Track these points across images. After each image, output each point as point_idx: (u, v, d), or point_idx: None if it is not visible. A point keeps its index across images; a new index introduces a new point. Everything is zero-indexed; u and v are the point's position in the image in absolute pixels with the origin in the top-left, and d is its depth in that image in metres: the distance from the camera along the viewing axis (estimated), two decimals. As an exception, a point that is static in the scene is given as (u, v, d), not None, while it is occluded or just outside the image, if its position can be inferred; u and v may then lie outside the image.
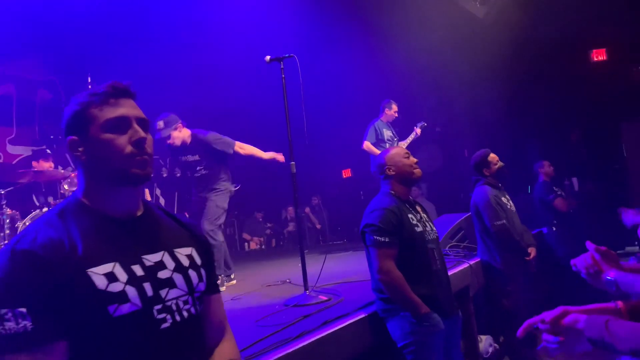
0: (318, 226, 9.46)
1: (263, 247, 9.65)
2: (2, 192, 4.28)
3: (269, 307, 3.19)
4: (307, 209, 9.40)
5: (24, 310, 0.98)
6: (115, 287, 1.07)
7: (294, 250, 6.42)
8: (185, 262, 1.24)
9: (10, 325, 0.97)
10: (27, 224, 4.39)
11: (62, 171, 4.87)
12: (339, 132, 8.29)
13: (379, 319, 2.74)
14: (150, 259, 1.17)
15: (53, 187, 5.03)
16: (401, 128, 6.43)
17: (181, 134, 4.35)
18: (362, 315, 2.75)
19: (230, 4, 6.65)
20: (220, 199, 4.38)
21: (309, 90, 3.80)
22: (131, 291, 1.09)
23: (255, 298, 3.73)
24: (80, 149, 1.18)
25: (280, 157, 4.42)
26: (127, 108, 1.19)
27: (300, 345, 2.27)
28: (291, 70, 3.59)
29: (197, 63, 6.96)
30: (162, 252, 1.20)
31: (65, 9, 6.01)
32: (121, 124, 1.17)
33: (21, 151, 5.97)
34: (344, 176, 10.06)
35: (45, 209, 4.55)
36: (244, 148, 4.45)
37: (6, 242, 4.18)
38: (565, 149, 7.39)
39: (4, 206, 4.33)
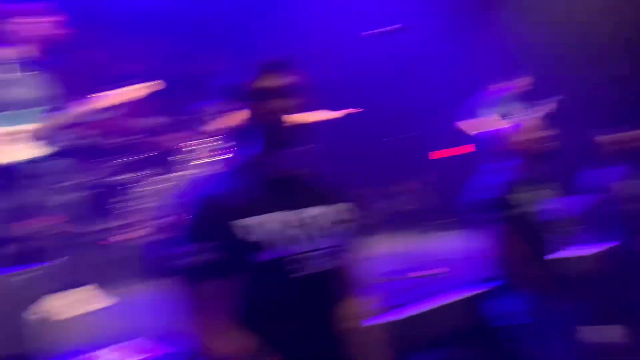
0: (421, 205, 9.26)
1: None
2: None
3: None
4: (414, 186, 9.23)
5: (211, 244, 1.20)
6: (265, 236, 1.24)
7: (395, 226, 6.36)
8: (327, 218, 1.36)
9: (205, 256, 1.20)
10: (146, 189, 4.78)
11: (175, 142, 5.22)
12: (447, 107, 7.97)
13: (491, 296, 2.62)
14: (302, 213, 1.32)
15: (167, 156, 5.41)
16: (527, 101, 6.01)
17: None
18: (473, 291, 2.66)
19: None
20: None
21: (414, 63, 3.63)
22: (279, 240, 1.25)
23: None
24: (247, 113, 1.36)
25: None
26: (284, 79, 1.36)
27: (408, 314, 2.24)
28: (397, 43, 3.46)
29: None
30: (312, 208, 1.34)
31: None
32: (278, 92, 1.34)
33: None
34: (456, 153, 9.68)
35: (162, 176, 4.91)
36: None
37: (133, 202, 4.60)
38: None
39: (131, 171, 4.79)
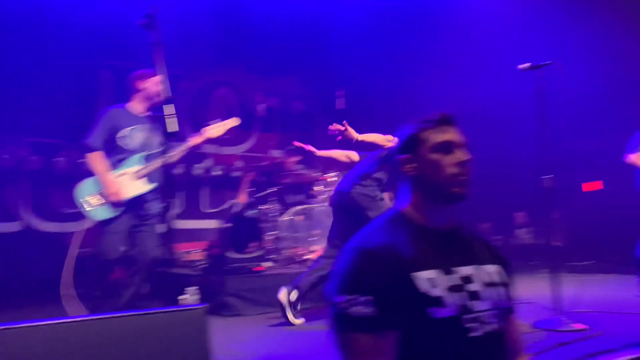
0: (560, 244, 8.61)
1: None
2: (273, 190, 5.04)
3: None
4: (556, 222, 8.63)
5: (370, 298, 1.16)
6: (435, 292, 1.20)
7: (525, 265, 5.99)
8: (493, 278, 1.32)
9: (359, 308, 1.16)
10: (288, 218, 5.09)
11: (315, 174, 5.51)
12: (588, 141, 7.45)
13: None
14: (463, 270, 1.28)
15: (307, 188, 5.71)
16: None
17: None
18: (632, 356, 2.43)
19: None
20: None
21: (561, 98, 3.52)
22: (448, 298, 1.21)
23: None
24: (411, 166, 1.36)
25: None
26: (453, 134, 1.36)
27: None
28: (546, 77, 3.38)
29: (434, 70, 7.08)
30: (472, 266, 1.30)
31: (316, 30, 6.83)
32: (447, 147, 1.33)
33: (280, 155, 6.93)
34: (585, 190, 8.94)
35: (299, 207, 5.19)
36: None
37: (273, 232, 4.92)
38: None
39: (272, 202, 5.12)
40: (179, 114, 2.49)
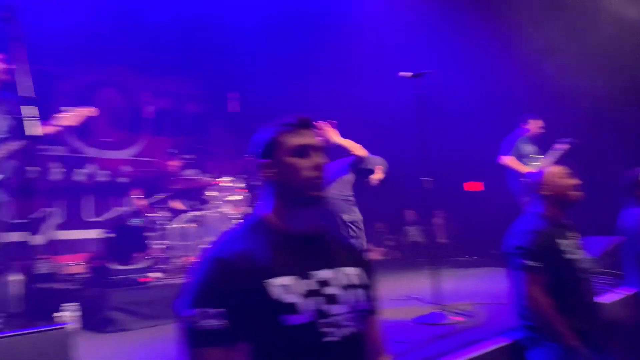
0: (443, 241, 9.20)
1: (386, 257, 9.63)
2: (161, 197, 4.80)
3: (398, 323, 3.20)
4: (439, 221, 9.19)
5: (222, 310, 1.14)
6: (289, 298, 1.19)
7: (416, 262, 6.34)
8: (352, 281, 1.32)
9: (211, 322, 1.14)
10: (179, 225, 4.89)
11: (208, 179, 5.34)
12: (464, 144, 8.05)
13: (519, 347, 2.61)
14: (321, 275, 1.26)
15: (199, 194, 5.53)
16: (540, 143, 6.09)
17: None
18: (503, 342, 2.65)
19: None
20: None
21: (441, 104, 3.75)
22: (302, 304, 1.19)
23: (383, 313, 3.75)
24: (270, 171, 1.34)
25: None
26: (309, 137, 1.35)
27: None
28: (426, 85, 3.59)
29: (325, 77, 7.24)
30: (332, 270, 1.29)
31: (210, 29, 6.67)
32: (304, 150, 1.33)
33: (171, 159, 6.65)
34: (467, 189, 9.70)
35: (193, 213, 5.02)
36: None
37: (162, 241, 4.69)
38: None
39: (161, 209, 4.87)
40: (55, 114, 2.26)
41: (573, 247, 2.57)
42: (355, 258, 1.40)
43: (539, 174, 2.72)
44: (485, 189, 9.21)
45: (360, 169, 3.88)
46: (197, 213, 4.98)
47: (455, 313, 3.23)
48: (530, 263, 2.47)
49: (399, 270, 6.62)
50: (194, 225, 4.90)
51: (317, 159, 1.32)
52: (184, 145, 6.85)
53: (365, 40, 7.14)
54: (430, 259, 3.55)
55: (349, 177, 3.79)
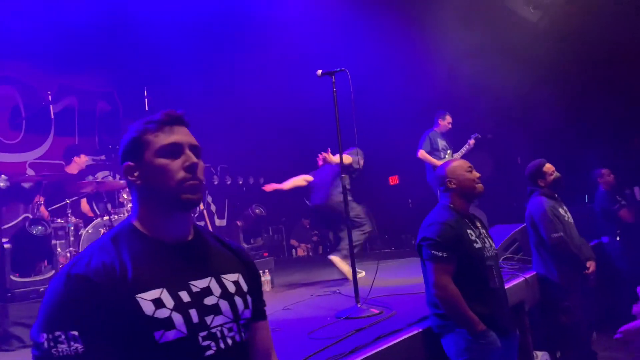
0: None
1: (310, 253, 9.71)
2: (68, 202, 4.50)
3: (319, 319, 3.22)
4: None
5: (75, 333, 1.01)
6: (162, 313, 1.08)
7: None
8: (232, 288, 1.23)
9: (62, 347, 1.00)
10: (90, 231, 4.61)
11: (121, 181, 5.08)
12: (386, 140, 8.27)
13: (433, 334, 2.71)
14: (198, 284, 1.17)
15: (112, 197, 5.25)
16: (453, 137, 6.40)
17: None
18: (416, 331, 2.73)
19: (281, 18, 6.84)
20: None
21: (357, 100, 3.80)
22: (177, 318, 1.10)
23: (305, 308, 3.77)
24: (135, 174, 1.21)
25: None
26: (181, 135, 1.23)
27: (355, 360, 2.28)
28: (341, 83, 3.63)
29: (246, 75, 7.15)
30: (209, 278, 1.20)
31: (124, 24, 6.34)
32: (174, 150, 1.20)
33: (81, 161, 6.26)
34: (391, 183, 9.99)
35: (106, 217, 4.76)
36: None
37: (71, 249, 4.40)
38: (626, 156, 7.03)
39: (69, 215, 4.56)
40: None
41: (480, 237, 2.68)
42: (235, 263, 1.31)
43: (443, 168, 2.83)
44: (404, 182, 9.52)
45: (350, 170, 4.80)
46: (112, 217, 4.73)
47: (374, 305, 3.29)
48: (438, 253, 2.55)
49: (324, 266, 6.66)
50: (106, 230, 4.64)
51: (190, 158, 1.20)
52: (94, 146, 6.48)
53: (290, 40, 7.12)
54: (353, 258, 3.58)
55: (345, 180, 4.00)
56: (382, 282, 4.19)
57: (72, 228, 4.51)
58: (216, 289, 1.20)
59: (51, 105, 5.93)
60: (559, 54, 6.53)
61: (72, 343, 1.01)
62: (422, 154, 6.21)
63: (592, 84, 7.04)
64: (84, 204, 5.09)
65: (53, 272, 3.87)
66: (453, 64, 7.33)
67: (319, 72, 3.60)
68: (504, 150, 7.81)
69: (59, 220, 4.54)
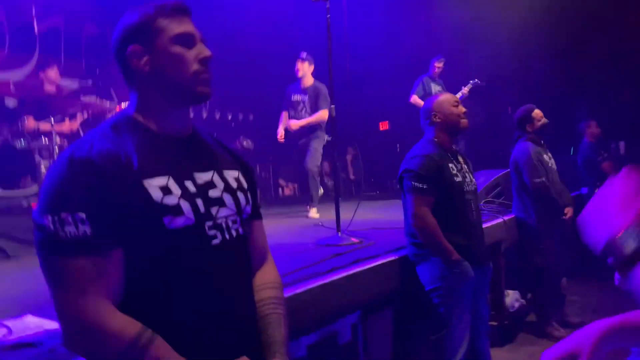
0: (352, 177, 9.49)
1: (297, 193, 9.77)
2: (53, 124, 4.42)
3: (302, 245, 3.29)
4: (349, 157, 9.42)
5: (83, 215, 0.99)
6: (170, 200, 1.07)
7: (328, 197, 6.51)
8: (234, 183, 1.24)
9: (70, 229, 0.98)
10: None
11: (108, 104, 5.00)
12: (379, 84, 8.18)
13: (409, 262, 2.79)
14: (201, 177, 1.17)
15: (98, 120, 5.18)
16: (449, 84, 6.33)
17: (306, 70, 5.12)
18: (393, 258, 2.81)
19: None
20: (319, 145, 5.09)
21: (351, 38, 3.71)
22: (185, 205, 1.09)
23: (288, 236, 3.84)
24: (144, 59, 1.14)
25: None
26: (192, 26, 1.19)
27: (330, 279, 2.35)
28: (336, 13, 3.52)
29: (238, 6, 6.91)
30: (211, 172, 1.20)
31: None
32: (189, 40, 1.16)
33: (69, 84, 6.11)
34: (381, 129, 9.98)
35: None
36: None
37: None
38: (615, 110, 7.05)
39: (54, 135, 4.50)
40: None
41: (460, 171, 2.72)
42: (235, 160, 1.32)
43: (430, 101, 2.82)
44: (395, 129, 9.51)
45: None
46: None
47: (354, 236, 3.36)
48: (419, 185, 2.60)
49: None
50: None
51: (204, 51, 1.16)
52: (80, 69, 6.32)
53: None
54: (337, 190, 3.62)
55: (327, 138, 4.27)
56: (364, 219, 4.27)
57: (56, 148, 4.46)
58: (219, 183, 1.20)
59: (35, 20, 5.69)
60: (554, 3, 6.40)
61: (79, 225, 0.99)
62: (415, 99, 6.17)
63: (585, 36, 6.96)
64: (69, 124, 5.01)
65: (36, 186, 3.87)
66: (451, 12, 7.17)
67: None
68: (496, 99, 7.79)
69: (43, 139, 4.48)
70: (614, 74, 7.15)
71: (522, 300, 4.32)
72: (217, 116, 8.02)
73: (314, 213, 5.10)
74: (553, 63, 7.08)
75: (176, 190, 1.10)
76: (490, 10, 6.90)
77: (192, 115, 1.29)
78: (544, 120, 4.10)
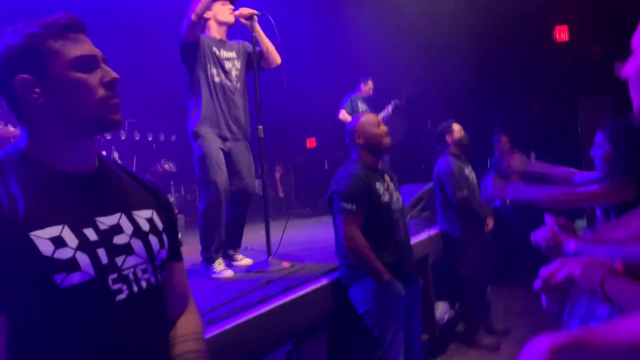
0: (281, 194, 9.42)
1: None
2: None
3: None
4: (278, 175, 9.34)
5: None
6: (64, 254, 0.93)
7: (256, 217, 6.41)
8: (145, 226, 1.10)
9: None
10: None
11: (12, 129, 4.61)
12: (305, 101, 8.21)
13: (341, 285, 2.76)
14: (105, 221, 1.02)
15: (2, 147, 4.77)
16: (373, 102, 6.45)
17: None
18: (325, 282, 2.77)
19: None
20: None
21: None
22: (82, 258, 0.95)
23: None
24: (36, 91, 1.00)
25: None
26: (90, 45, 1.05)
27: (262, 310, 2.26)
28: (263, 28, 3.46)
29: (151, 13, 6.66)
30: (118, 214, 1.06)
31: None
32: (89, 63, 1.03)
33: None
34: (308, 146, 10.02)
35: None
36: None
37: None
38: (525, 123, 7.53)
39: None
40: None
41: (387, 190, 2.74)
42: (148, 198, 1.17)
43: (353, 123, 2.84)
44: (323, 145, 9.59)
45: None
46: None
47: (285, 259, 3.29)
48: (348, 205, 2.59)
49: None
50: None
51: (109, 73, 1.04)
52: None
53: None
54: (266, 211, 3.53)
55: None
56: (295, 238, 4.21)
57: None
58: (127, 227, 1.06)
59: None
60: (469, 20, 6.76)
61: None
62: (343, 114, 6.19)
63: (499, 52, 7.40)
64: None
65: None
66: (371, 29, 7.36)
67: (235, 13, 3.33)
68: (416, 114, 8.06)
69: None
70: (523, 89, 7.64)
71: (452, 310, 4.43)
72: (137, 137, 7.66)
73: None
74: (470, 79, 7.45)
75: (72, 240, 0.95)
76: (408, 27, 7.16)
77: (108, 137, 1.16)
78: (463, 134, 4.27)
